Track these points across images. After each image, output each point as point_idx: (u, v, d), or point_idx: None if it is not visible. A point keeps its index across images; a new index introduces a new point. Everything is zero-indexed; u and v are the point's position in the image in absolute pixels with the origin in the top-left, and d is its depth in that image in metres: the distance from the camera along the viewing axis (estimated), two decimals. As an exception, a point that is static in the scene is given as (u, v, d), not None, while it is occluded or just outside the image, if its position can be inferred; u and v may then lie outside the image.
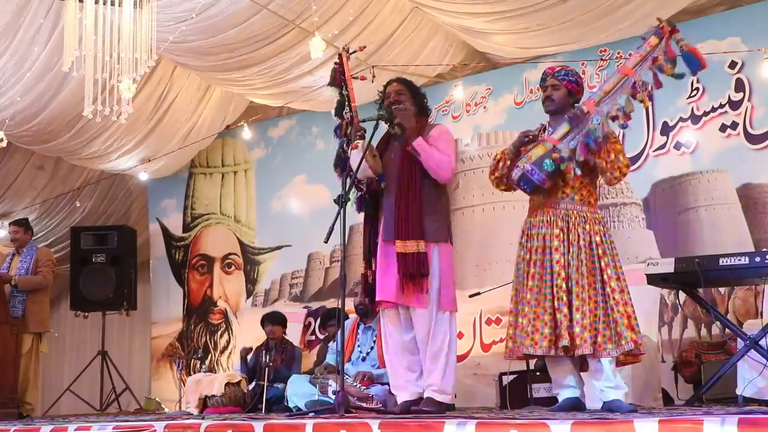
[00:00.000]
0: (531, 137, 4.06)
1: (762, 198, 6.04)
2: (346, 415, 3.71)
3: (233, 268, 8.96)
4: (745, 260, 4.61)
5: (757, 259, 4.59)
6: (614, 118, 3.85)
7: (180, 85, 7.99)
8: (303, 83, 7.34)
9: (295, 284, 8.44)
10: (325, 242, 3.97)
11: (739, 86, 6.22)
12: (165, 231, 9.52)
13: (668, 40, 3.89)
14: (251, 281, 8.80)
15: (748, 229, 6.03)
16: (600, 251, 3.86)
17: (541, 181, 3.89)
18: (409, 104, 4.37)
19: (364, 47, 5.03)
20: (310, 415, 4.06)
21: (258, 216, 8.88)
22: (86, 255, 8.63)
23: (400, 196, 4.21)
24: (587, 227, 3.90)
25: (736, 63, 6.23)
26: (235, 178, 9.13)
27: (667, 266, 4.79)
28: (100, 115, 5.73)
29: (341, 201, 4.03)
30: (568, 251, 3.87)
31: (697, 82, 6.36)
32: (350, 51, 4.70)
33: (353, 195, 4.28)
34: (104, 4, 5.33)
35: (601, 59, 6.74)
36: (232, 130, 8.84)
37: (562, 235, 3.90)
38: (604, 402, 3.81)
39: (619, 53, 6.46)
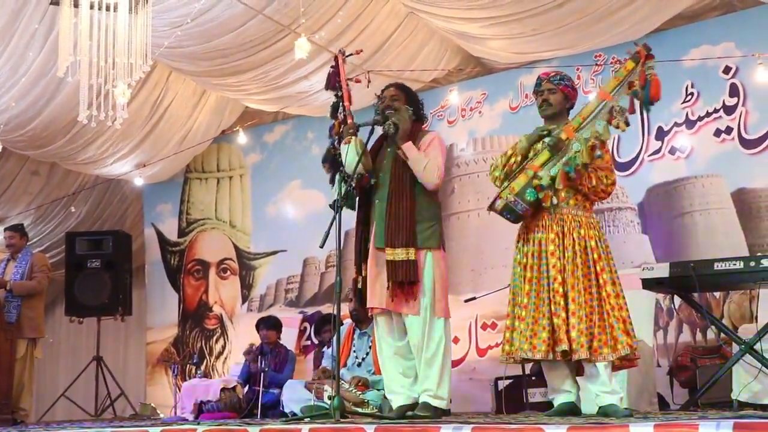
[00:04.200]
0: (546, 132, 4.04)
1: (756, 202, 6.05)
2: (341, 420, 3.71)
3: (228, 273, 8.94)
4: (739, 265, 4.62)
5: (752, 263, 4.59)
6: (592, 148, 3.87)
7: (175, 90, 7.98)
8: (298, 88, 7.34)
9: (291, 289, 8.42)
10: (321, 247, 3.99)
11: (734, 91, 6.23)
12: (160, 236, 9.49)
13: (643, 65, 3.90)
14: (247, 286, 8.78)
15: (743, 234, 6.05)
16: (595, 255, 3.87)
17: (523, 211, 3.96)
18: (403, 105, 4.36)
19: (361, 51, 5.04)
20: (306, 420, 4.06)
21: (253, 221, 8.87)
22: (81, 260, 8.61)
23: (391, 202, 4.19)
24: (582, 232, 3.91)
25: (731, 68, 6.24)
26: (230, 183, 9.12)
27: (662, 271, 4.80)
28: (95, 120, 5.71)
29: (336, 206, 4.03)
30: (564, 256, 3.88)
31: (692, 87, 6.38)
32: (346, 54, 4.73)
33: (342, 187, 4.24)
34: (99, 9, 5.32)
35: (597, 64, 6.75)
36: (227, 135, 8.84)
37: (557, 239, 3.91)
38: (600, 406, 3.81)
39: (614, 58, 6.48)
